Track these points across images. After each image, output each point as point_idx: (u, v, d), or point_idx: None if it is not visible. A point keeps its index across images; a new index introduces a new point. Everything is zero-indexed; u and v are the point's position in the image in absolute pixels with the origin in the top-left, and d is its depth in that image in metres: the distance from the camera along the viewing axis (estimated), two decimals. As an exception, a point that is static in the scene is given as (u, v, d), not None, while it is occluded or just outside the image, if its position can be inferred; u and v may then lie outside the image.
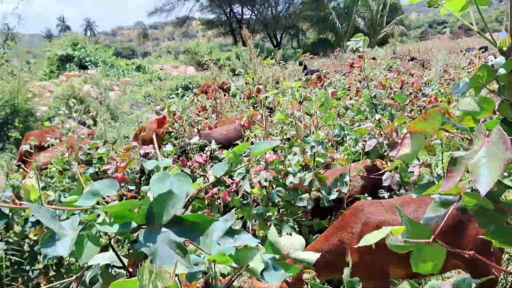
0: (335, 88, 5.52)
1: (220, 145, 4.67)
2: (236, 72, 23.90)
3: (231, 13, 39.38)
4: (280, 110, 5.91)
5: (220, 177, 1.55)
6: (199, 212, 4.27)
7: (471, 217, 2.29)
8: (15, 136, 8.97)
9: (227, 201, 3.07)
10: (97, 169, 4.46)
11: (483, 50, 19.93)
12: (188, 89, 17.74)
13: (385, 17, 43.63)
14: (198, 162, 3.32)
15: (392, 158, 3.24)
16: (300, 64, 18.19)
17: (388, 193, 3.14)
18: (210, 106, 8.31)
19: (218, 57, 25.46)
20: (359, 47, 3.97)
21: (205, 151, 4.54)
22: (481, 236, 1.00)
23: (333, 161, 3.13)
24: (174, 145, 4.72)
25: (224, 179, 3.46)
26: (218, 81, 13.29)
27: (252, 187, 2.99)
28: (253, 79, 8.10)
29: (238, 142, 4.88)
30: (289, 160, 3.01)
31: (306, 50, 37.94)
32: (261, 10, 40.07)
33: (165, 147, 4.67)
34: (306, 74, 13.43)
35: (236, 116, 7.30)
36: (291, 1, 41.41)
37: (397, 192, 3.16)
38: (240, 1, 38.68)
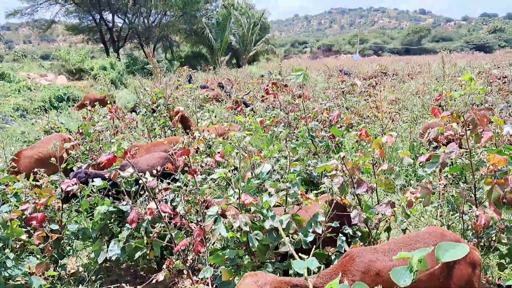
0: (261, 117, 5.58)
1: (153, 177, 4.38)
2: (115, 84, 22.75)
3: (101, 20, 37.30)
4: (198, 132, 5.79)
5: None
6: (138, 253, 3.94)
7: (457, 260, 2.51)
8: None
9: (200, 252, 2.88)
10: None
11: (345, 73, 22.11)
12: (62, 101, 16.29)
13: (255, 35, 45.62)
14: (165, 212, 3.06)
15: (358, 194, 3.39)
16: (189, 78, 18.05)
17: (351, 229, 3.27)
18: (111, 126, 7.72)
19: (91, 66, 23.87)
20: (300, 82, 4.08)
21: (140, 184, 4.22)
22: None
23: (305, 200, 3.15)
24: (104, 178, 4.28)
25: (187, 223, 3.26)
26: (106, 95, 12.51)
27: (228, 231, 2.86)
28: (159, 97, 7.76)
29: (172, 173, 4.63)
30: (266, 202, 2.95)
31: (181, 63, 37.77)
32: (133, 20, 38.72)
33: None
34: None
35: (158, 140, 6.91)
36: (163, 13, 40.84)
37: (361, 228, 3.31)
38: (110, 8, 36.87)
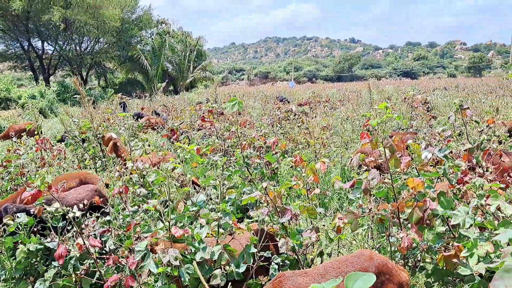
0: (198, 145, 5.54)
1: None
2: (44, 114, 21.71)
3: (30, 47, 35.78)
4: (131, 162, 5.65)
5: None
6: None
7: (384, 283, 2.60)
8: None
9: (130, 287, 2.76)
10: None
11: (282, 100, 22.67)
12: (-15, 133, 15.27)
13: (192, 62, 45.76)
14: (94, 246, 2.92)
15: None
16: (123, 106, 17.63)
17: (279, 258, 3.28)
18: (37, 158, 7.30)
19: (19, 95, 22.69)
20: (235, 111, 4.12)
21: (67, 219, 4.01)
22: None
23: (237, 230, 3.13)
24: (29, 214, 4.01)
25: (116, 258, 3.12)
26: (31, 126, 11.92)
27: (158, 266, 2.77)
28: (88, 127, 7.50)
29: (102, 206, 4.45)
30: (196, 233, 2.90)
31: (116, 90, 36.89)
32: (64, 47, 37.51)
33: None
34: (136, 118, 13.09)
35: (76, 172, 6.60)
36: (96, 40, 39.99)
37: (289, 257, 3.34)
38: (40, 35, 35.53)
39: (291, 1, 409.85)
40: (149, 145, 6.36)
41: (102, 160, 7.13)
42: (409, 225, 3.11)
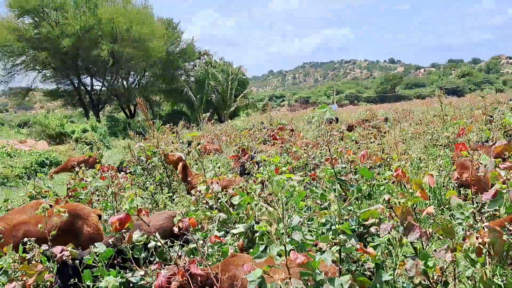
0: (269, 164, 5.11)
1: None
2: (93, 146, 22.13)
3: (80, 84, 37.17)
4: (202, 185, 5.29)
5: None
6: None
7: None
8: None
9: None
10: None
11: (331, 121, 22.12)
12: (45, 166, 15.56)
13: (233, 91, 46.20)
14: (196, 274, 2.51)
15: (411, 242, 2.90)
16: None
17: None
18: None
19: (73, 129, 23.31)
20: (329, 117, 3.68)
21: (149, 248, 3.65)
22: None
23: (362, 257, 2.65)
24: (108, 245, 3.69)
25: None
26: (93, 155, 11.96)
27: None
28: (153, 152, 7.26)
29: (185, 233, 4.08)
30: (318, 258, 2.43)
31: (163, 122, 37.46)
32: (112, 82, 38.75)
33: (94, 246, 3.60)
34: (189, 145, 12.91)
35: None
36: (142, 74, 41.16)
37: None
38: (88, 72, 36.91)
39: (325, 27, 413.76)
40: (219, 167, 5.99)
41: (169, 186, 6.83)
42: None
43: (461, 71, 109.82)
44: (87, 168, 9.42)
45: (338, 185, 4.00)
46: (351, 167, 4.21)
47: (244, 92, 47.89)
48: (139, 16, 33.77)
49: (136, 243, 3.74)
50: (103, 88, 38.71)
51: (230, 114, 45.69)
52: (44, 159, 15.79)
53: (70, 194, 7.08)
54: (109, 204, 5.16)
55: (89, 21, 31.35)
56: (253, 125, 24.66)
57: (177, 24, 42.91)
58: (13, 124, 30.56)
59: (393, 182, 3.95)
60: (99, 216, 5.21)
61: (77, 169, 8.50)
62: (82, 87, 37.38)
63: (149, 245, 3.71)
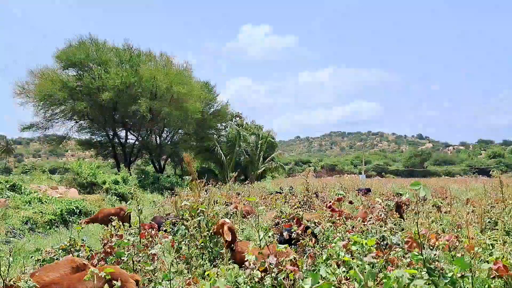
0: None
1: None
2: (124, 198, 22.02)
3: (114, 136, 37.95)
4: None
5: None
6: None
7: None
8: None
9: None
10: None
11: (364, 192, 21.52)
12: (74, 215, 15.37)
13: (262, 153, 46.41)
14: None
15: None
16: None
17: None
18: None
19: (104, 180, 23.36)
20: (424, 195, 3.30)
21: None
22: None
23: None
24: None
25: None
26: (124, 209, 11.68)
27: None
28: (199, 210, 6.88)
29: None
30: None
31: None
32: (145, 137, 39.45)
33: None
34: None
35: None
36: (176, 131, 41.88)
37: None
38: (124, 125, 37.77)
39: (353, 98, 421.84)
40: (270, 236, 5.56)
41: (210, 250, 6.40)
42: None
43: (492, 152, 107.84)
44: (119, 221, 9.11)
45: (426, 274, 3.55)
46: (436, 253, 3.73)
47: (272, 155, 48.06)
48: (179, 76, 34.83)
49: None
50: (136, 142, 39.34)
51: (257, 176, 45.57)
52: (75, 208, 15.63)
53: (106, 250, 6.73)
54: (167, 275, 4.66)
55: (130, 78, 32.44)
56: (281, 188, 24.23)
57: (213, 87, 44.14)
58: (45, 169, 30.97)
59: (493, 277, 3.43)
60: (137, 282, 4.80)
61: (114, 223, 8.20)
62: (116, 139, 38.08)
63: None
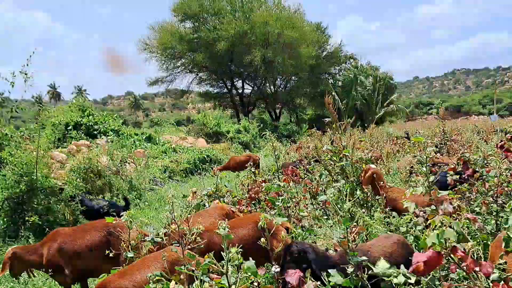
0: None
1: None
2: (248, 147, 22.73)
3: (232, 87, 39.06)
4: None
5: None
6: None
7: None
8: (33, 221, 7.13)
9: None
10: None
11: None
12: (206, 163, 16.20)
13: (380, 97, 44.05)
14: None
15: None
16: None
17: None
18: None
19: (227, 129, 24.29)
20: None
21: None
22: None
23: None
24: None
25: None
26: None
27: None
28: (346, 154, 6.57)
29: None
30: None
31: (308, 126, 37.40)
32: (260, 86, 39.90)
33: None
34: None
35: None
36: (289, 78, 41.57)
37: None
38: (240, 76, 38.53)
39: (478, 31, 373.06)
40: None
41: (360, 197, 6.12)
42: None
43: None
44: (252, 167, 9.18)
45: None
46: None
47: (391, 97, 45.40)
48: (290, 20, 34.07)
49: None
50: (252, 92, 40.06)
51: (377, 121, 43.69)
52: (205, 156, 16.44)
53: (251, 195, 6.83)
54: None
55: (243, 26, 32.55)
56: (406, 132, 22.83)
57: (325, 28, 42.48)
58: (171, 121, 33.14)
59: None
60: (287, 229, 4.68)
61: (253, 169, 8.32)
62: (234, 90, 39.16)
63: (394, 281, 3.01)
